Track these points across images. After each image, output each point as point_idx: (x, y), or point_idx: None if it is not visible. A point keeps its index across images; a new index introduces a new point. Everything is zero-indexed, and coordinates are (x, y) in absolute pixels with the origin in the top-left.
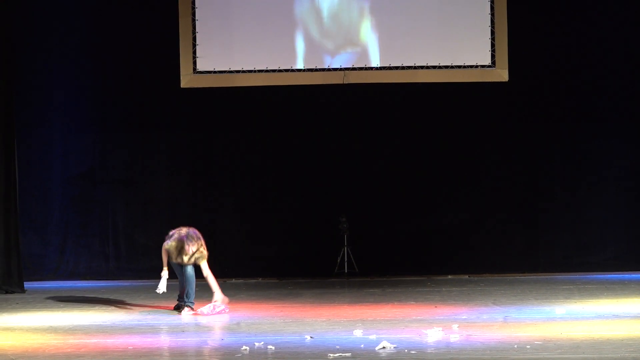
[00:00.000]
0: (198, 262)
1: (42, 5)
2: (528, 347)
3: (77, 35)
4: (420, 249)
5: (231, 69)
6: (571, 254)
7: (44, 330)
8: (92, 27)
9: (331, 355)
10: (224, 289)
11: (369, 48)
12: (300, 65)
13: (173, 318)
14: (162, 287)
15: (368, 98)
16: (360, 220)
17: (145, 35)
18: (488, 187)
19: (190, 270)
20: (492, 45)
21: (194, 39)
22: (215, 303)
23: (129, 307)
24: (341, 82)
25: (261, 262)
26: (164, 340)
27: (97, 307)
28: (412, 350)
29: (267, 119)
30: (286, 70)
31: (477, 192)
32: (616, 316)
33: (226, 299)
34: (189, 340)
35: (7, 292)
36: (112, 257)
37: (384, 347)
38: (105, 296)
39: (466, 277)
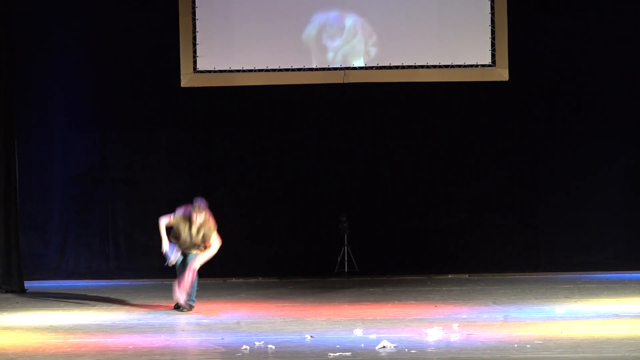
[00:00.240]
0: (207, 237)
1: (42, 5)
2: (528, 346)
3: (77, 35)
4: (421, 248)
5: (231, 68)
6: (571, 253)
7: (44, 330)
8: (92, 27)
9: (331, 354)
10: (224, 288)
11: (369, 47)
12: (300, 64)
13: (173, 317)
14: (173, 257)
15: (368, 97)
16: (361, 220)
17: (145, 35)
18: (488, 187)
19: (196, 265)
20: (493, 44)
21: (194, 38)
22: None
23: (129, 306)
24: (341, 81)
25: (261, 261)
26: (164, 340)
27: (97, 307)
28: (413, 349)
29: (267, 118)
30: (286, 70)
31: (477, 191)
32: (616, 315)
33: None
34: (189, 340)
35: (7, 292)
36: (112, 257)
37: (384, 347)
38: (105, 295)
39: (466, 276)
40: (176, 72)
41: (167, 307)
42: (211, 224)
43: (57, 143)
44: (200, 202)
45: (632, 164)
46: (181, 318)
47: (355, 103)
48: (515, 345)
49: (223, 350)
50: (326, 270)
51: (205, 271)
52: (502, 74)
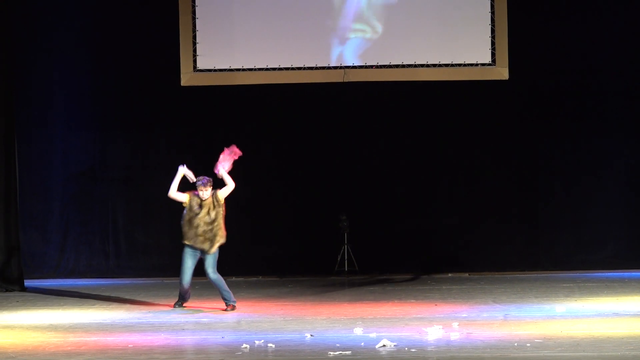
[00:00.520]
0: (217, 199)
1: (42, 5)
2: (528, 345)
3: (77, 34)
4: (421, 247)
5: (231, 67)
6: (571, 252)
7: (44, 328)
8: (92, 26)
9: (331, 353)
10: None
11: (370, 46)
12: (300, 63)
13: (173, 316)
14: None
15: (368, 96)
16: (361, 219)
17: (145, 34)
18: (488, 185)
19: (212, 274)
20: (493, 43)
21: (194, 37)
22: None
23: (129, 305)
24: (341, 80)
25: (261, 260)
26: (164, 339)
27: (97, 305)
28: (413, 348)
29: (267, 117)
30: (286, 69)
31: (477, 190)
32: (616, 314)
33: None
34: (189, 339)
35: (7, 290)
36: (112, 255)
37: (384, 345)
38: (105, 294)
39: (466, 275)
40: (176, 71)
41: (167, 306)
42: (216, 191)
43: (58, 142)
44: (203, 179)
45: (632, 162)
46: (181, 317)
47: (355, 102)
48: (515, 344)
49: (223, 349)
50: (326, 269)
51: (200, 273)
52: (502, 72)
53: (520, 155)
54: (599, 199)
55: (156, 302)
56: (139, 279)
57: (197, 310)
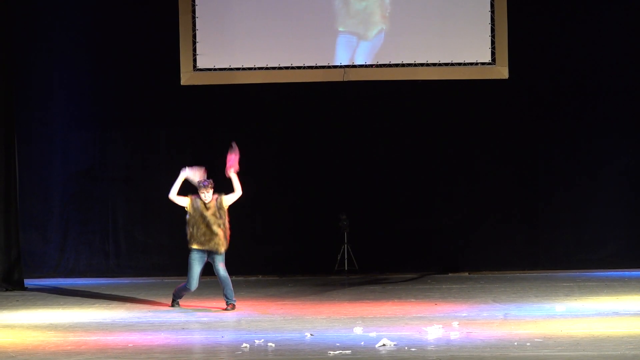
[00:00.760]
0: (221, 204)
1: (42, 5)
2: (528, 344)
3: (77, 34)
4: (421, 246)
5: (231, 67)
6: (571, 251)
7: (44, 328)
8: (92, 25)
9: (331, 352)
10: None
11: (369, 45)
12: (300, 62)
13: (173, 315)
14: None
15: (368, 96)
16: (361, 218)
17: (145, 33)
18: (488, 184)
19: (222, 272)
20: (492, 42)
21: (194, 36)
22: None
23: (129, 304)
24: (341, 79)
25: (261, 259)
26: (164, 338)
27: (97, 305)
28: (413, 347)
29: (267, 116)
30: (286, 68)
31: (477, 190)
32: (616, 313)
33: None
34: (189, 338)
35: (7, 290)
36: (112, 255)
37: (384, 345)
38: (105, 293)
39: (466, 274)
40: (176, 70)
41: (167, 306)
42: (220, 195)
43: (57, 141)
44: (204, 181)
45: (632, 162)
46: (181, 316)
47: (355, 101)
48: (515, 343)
49: (223, 348)
50: (326, 269)
51: (205, 270)
52: (502, 72)
53: (520, 154)
54: (599, 198)
55: (156, 302)
56: (139, 278)
57: (197, 310)
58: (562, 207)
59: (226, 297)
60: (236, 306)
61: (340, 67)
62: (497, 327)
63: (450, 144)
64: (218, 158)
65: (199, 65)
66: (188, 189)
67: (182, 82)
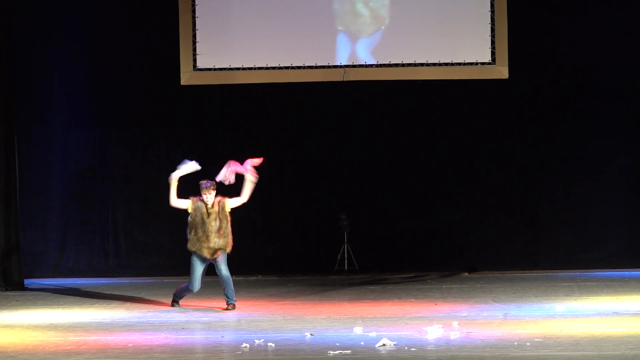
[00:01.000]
0: (224, 207)
1: (42, 4)
2: (528, 344)
3: (77, 33)
4: (421, 246)
5: (231, 66)
6: (571, 251)
7: (44, 328)
8: (92, 25)
9: (331, 352)
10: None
11: (369, 45)
12: (300, 62)
13: (173, 315)
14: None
15: (368, 95)
16: (361, 218)
17: (145, 33)
18: (488, 184)
19: (224, 272)
20: (492, 42)
21: (194, 36)
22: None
23: (129, 304)
24: (341, 79)
25: (261, 259)
26: (164, 338)
27: (97, 304)
28: (412, 347)
29: (267, 116)
30: (286, 68)
31: (477, 189)
32: (616, 313)
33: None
34: (189, 338)
35: (7, 290)
36: (112, 254)
37: (384, 345)
38: (105, 293)
39: (466, 274)
40: (176, 70)
41: (167, 305)
42: (223, 199)
43: (57, 141)
44: (206, 182)
45: (632, 161)
46: (181, 316)
47: (355, 101)
48: (515, 343)
49: (223, 348)
50: (326, 268)
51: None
52: (502, 71)
53: (520, 154)
54: (599, 198)
55: (156, 302)
56: (139, 278)
57: (197, 310)
58: (562, 207)
59: (227, 296)
60: (236, 306)
61: (340, 67)
62: (497, 327)
63: (450, 143)
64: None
65: (199, 65)
66: (189, 190)
67: (182, 82)
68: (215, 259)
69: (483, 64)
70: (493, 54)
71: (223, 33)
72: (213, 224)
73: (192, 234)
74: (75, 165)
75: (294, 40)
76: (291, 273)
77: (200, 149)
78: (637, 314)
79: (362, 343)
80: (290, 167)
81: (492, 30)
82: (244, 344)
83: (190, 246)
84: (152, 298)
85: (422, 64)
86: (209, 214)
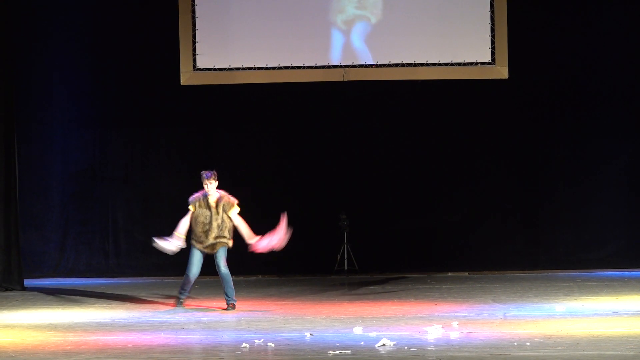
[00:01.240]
0: (226, 210)
1: (42, 4)
2: (528, 344)
3: (77, 33)
4: (420, 246)
5: (231, 66)
6: (571, 251)
7: (43, 328)
8: (92, 25)
9: (331, 352)
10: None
11: (369, 45)
12: (300, 62)
13: (173, 315)
14: (169, 246)
15: (368, 95)
16: (360, 218)
17: (145, 33)
18: (488, 184)
19: (223, 269)
20: (492, 42)
21: (194, 36)
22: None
23: (128, 304)
24: (341, 79)
25: (261, 259)
26: (164, 338)
27: (97, 304)
28: (412, 347)
29: (267, 116)
30: (286, 68)
31: (477, 189)
32: (616, 313)
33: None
34: (189, 338)
35: (7, 290)
36: (112, 254)
37: (384, 345)
38: (105, 293)
39: (466, 274)
40: (176, 70)
41: (167, 305)
42: (229, 199)
43: (57, 141)
44: (207, 172)
45: (632, 161)
46: (181, 316)
47: (354, 101)
48: (515, 343)
49: (223, 348)
50: (326, 268)
51: (205, 269)
52: (501, 71)
53: (519, 154)
54: (599, 198)
55: (156, 302)
56: (139, 278)
57: (197, 310)
58: (562, 207)
59: (226, 295)
60: (236, 306)
61: (340, 67)
62: (496, 327)
63: (450, 143)
64: (217, 157)
65: (199, 65)
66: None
67: (182, 82)
68: (215, 254)
69: (483, 64)
70: (493, 54)
71: (223, 33)
72: (214, 220)
73: (194, 228)
74: (75, 165)
75: (293, 40)
76: (291, 273)
77: (200, 149)
78: (637, 314)
79: (362, 343)
80: (290, 167)
81: (492, 30)
82: (244, 344)
83: (192, 241)
84: (152, 298)
85: (422, 64)
86: (210, 210)
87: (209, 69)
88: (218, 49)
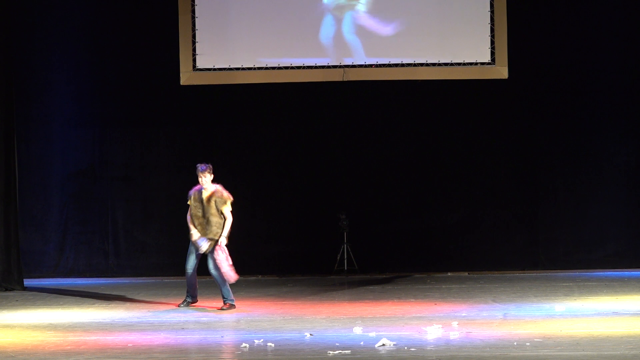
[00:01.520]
0: (219, 205)
1: (42, 4)
2: (528, 344)
3: (77, 32)
4: (420, 246)
5: (231, 66)
6: (571, 251)
7: (43, 328)
8: (92, 24)
9: (331, 352)
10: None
11: (369, 45)
12: (300, 62)
13: (173, 315)
14: (204, 245)
15: (368, 95)
16: (360, 218)
17: (145, 33)
18: (488, 184)
19: (212, 269)
20: (492, 42)
21: (194, 36)
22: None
23: (128, 304)
24: (341, 79)
25: (261, 259)
26: (164, 338)
27: (96, 304)
28: (412, 347)
29: (267, 116)
30: (286, 68)
31: (476, 189)
32: (616, 313)
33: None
34: (189, 338)
35: (6, 290)
36: (111, 254)
37: (383, 345)
38: (104, 293)
39: (466, 274)
40: (175, 70)
41: (167, 305)
42: (222, 195)
43: (57, 140)
44: (202, 165)
45: (631, 161)
46: (181, 316)
47: (354, 101)
48: (515, 343)
49: (223, 348)
50: (326, 268)
51: (205, 269)
52: (501, 71)
53: (519, 154)
54: (599, 197)
55: (156, 302)
56: (139, 278)
57: (197, 310)
58: (562, 207)
59: (222, 296)
60: (236, 306)
61: (340, 67)
62: (496, 327)
63: (450, 143)
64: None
65: (199, 65)
66: (191, 187)
67: (182, 82)
68: (208, 254)
69: (483, 64)
70: (493, 54)
71: (223, 33)
72: (208, 215)
73: (193, 221)
74: (75, 165)
75: (293, 40)
76: (291, 273)
77: (200, 148)
78: (637, 314)
79: (361, 343)
80: (289, 167)
81: (492, 30)
82: (244, 344)
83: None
84: (151, 298)
85: (422, 64)
86: (202, 204)
87: (209, 69)
88: (218, 48)
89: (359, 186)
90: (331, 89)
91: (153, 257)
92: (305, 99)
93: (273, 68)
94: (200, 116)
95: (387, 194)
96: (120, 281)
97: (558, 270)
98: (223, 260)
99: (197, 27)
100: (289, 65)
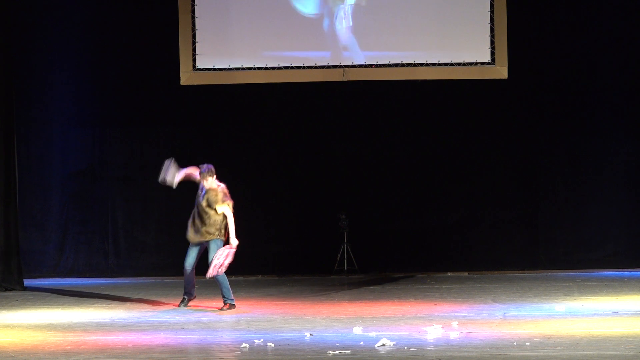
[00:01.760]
0: (211, 203)
1: (42, 4)
2: (527, 344)
3: (77, 32)
4: (420, 246)
5: (231, 66)
6: (571, 250)
7: (43, 328)
8: (92, 24)
9: (331, 352)
10: None
11: (369, 45)
12: (300, 62)
13: (173, 315)
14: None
15: (368, 95)
16: (360, 218)
17: (145, 33)
18: (488, 184)
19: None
20: (492, 42)
21: (194, 36)
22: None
23: (128, 304)
24: (341, 79)
25: (261, 259)
26: (164, 338)
27: (96, 304)
28: (412, 347)
29: (267, 116)
30: (286, 68)
31: (476, 189)
32: (616, 313)
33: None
34: (189, 338)
35: (6, 289)
36: (111, 254)
37: (383, 345)
38: (104, 293)
39: (466, 274)
40: (175, 70)
41: (167, 305)
42: (217, 193)
43: (57, 140)
44: (204, 167)
45: (632, 161)
46: (181, 316)
47: (354, 101)
48: (515, 343)
49: (223, 348)
50: (326, 268)
51: (204, 269)
52: (501, 71)
53: (519, 154)
54: (599, 197)
55: (156, 302)
56: (139, 278)
57: (197, 310)
58: (562, 207)
59: (223, 296)
60: (236, 306)
61: (340, 67)
62: (496, 327)
63: (450, 143)
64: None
65: (199, 65)
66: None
67: (182, 82)
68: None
69: (482, 64)
70: (492, 54)
71: (223, 33)
72: (202, 213)
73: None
74: (75, 165)
75: (293, 40)
76: (291, 273)
77: (200, 148)
78: (637, 314)
79: (361, 343)
80: (289, 167)
81: (492, 30)
82: (244, 344)
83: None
84: (151, 298)
85: (421, 64)
86: (201, 204)
87: (209, 69)
88: (218, 49)
89: (359, 186)
90: (331, 89)
91: (153, 257)
92: (305, 99)
93: (273, 68)
94: (200, 116)
95: (387, 194)
96: (120, 281)
97: (558, 270)
98: (221, 256)
99: (197, 27)
100: (289, 65)
